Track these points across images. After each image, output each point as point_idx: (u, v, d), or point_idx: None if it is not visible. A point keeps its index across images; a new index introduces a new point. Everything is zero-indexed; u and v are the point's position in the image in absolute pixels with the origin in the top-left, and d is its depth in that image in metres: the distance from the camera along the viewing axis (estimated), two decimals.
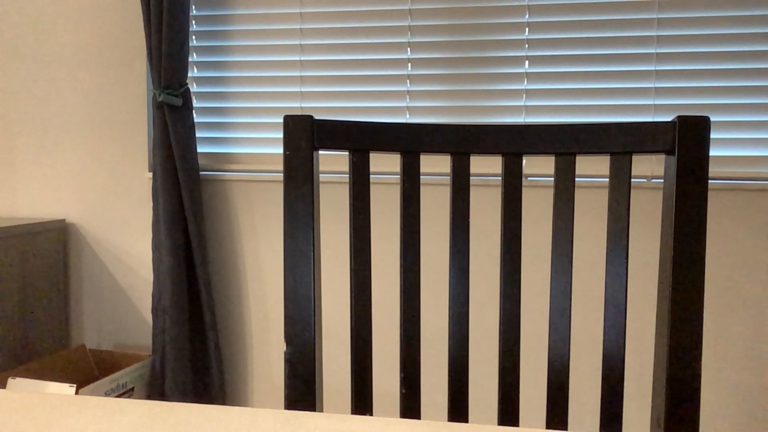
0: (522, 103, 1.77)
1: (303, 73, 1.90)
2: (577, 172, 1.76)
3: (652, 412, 0.77)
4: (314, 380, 0.79)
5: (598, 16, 1.72)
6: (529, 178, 1.78)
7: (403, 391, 0.82)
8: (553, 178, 0.84)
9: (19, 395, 0.52)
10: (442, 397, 1.86)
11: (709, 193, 1.71)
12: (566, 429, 0.77)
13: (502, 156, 0.82)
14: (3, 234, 1.81)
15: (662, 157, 1.71)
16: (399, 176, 0.84)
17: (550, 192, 1.79)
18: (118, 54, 2.01)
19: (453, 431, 0.47)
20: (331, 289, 1.92)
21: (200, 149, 2.00)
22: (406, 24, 1.83)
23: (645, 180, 1.71)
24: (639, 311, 1.75)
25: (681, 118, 0.74)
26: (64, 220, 2.08)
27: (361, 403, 0.82)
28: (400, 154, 0.83)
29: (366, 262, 0.82)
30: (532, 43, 1.76)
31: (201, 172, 1.97)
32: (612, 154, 0.79)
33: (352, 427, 0.47)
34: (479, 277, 1.82)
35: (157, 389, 1.93)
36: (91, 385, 1.65)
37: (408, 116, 1.85)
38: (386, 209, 1.87)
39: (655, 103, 1.70)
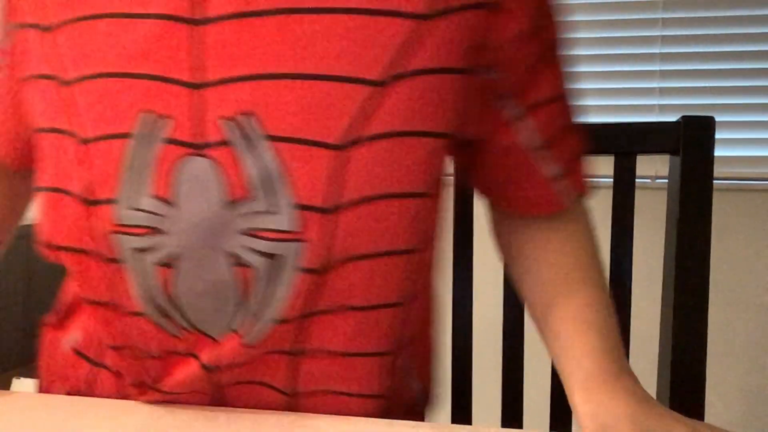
0: None
1: None
2: None
3: None
4: None
5: (601, 16, 1.71)
6: None
7: None
8: None
9: (22, 396, 0.53)
10: (444, 397, 1.86)
11: (714, 194, 1.70)
12: (570, 431, 0.76)
13: None
14: None
15: (667, 157, 1.70)
16: None
17: None
18: None
19: None
20: None
21: None
22: None
23: (649, 180, 1.71)
24: (643, 312, 1.74)
25: (686, 118, 0.74)
26: None
27: None
28: None
29: None
30: None
31: None
32: (616, 154, 0.79)
33: (352, 427, 0.47)
34: (481, 276, 1.82)
35: None
36: None
37: None
38: None
39: (660, 103, 1.70)
